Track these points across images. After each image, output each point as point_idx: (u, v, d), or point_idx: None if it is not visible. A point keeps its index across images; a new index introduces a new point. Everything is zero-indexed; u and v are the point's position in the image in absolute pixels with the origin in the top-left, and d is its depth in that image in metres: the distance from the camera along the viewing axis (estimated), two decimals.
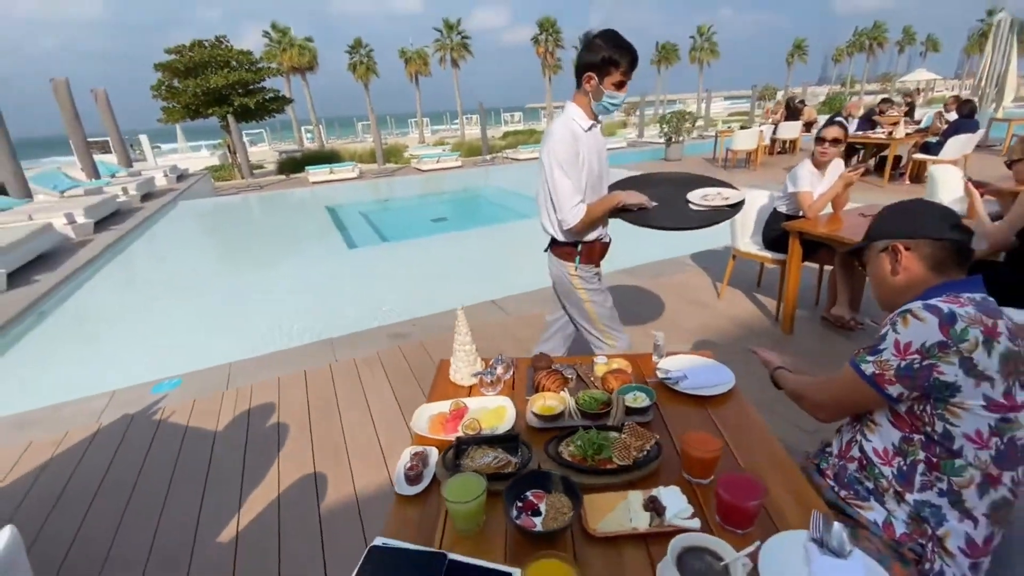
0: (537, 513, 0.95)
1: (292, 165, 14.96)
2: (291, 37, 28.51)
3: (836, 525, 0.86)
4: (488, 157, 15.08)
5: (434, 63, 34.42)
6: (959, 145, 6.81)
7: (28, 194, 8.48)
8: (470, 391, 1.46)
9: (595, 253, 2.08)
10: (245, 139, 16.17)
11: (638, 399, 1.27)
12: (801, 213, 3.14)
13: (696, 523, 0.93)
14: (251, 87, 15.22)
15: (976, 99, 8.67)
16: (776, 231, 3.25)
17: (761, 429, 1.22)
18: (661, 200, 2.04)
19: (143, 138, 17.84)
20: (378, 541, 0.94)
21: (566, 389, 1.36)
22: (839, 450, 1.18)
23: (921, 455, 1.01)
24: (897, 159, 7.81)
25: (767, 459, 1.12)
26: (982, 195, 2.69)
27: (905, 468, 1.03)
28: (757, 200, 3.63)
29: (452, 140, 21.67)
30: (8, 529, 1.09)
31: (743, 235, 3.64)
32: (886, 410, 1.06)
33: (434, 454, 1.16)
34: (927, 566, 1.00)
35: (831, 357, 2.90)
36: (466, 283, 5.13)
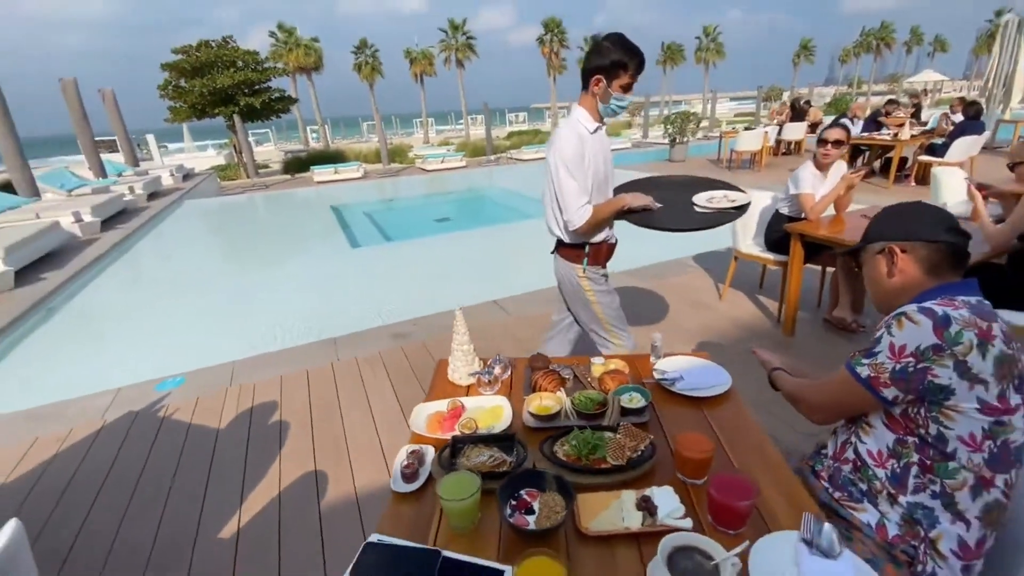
0: (531, 512, 0.96)
1: (297, 165, 15.04)
2: (297, 37, 28.65)
3: (826, 526, 0.87)
4: (492, 157, 15.10)
5: (439, 63, 34.52)
6: (965, 147, 6.77)
7: (36, 193, 8.57)
8: (468, 391, 1.47)
9: (602, 254, 2.09)
10: (251, 139, 16.24)
11: (634, 400, 1.28)
12: (803, 215, 3.13)
13: (688, 523, 0.93)
14: (257, 87, 15.29)
15: (983, 100, 8.61)
16: (778, 233, 3.25)
17: (755, 431, 1.23)
18: (666, 202, 2.05)
19: (150, 137, 17.98)
20: (373, 537, 0.96)
21: (563, 389, 1.37)
22: (834, 452, 1.18)
23: (915, 457, 1.01)
24: (903, 161, 7.76)
25: (761, 460, 1.13)
26: (985, 197, 2.68)
27: (899, 470, 1.03)
28: (759, 201, 3.63)
29: (457, 140, 21.71)
30: (13, 522, 1.11)
31: (745, 237, 3.63)
32: (881, 412, 1.06)
33: (431, 452, 1.17)
34: (919, 568, 1.01)
35: (832, 359, 2.88)
36: (468, 283, 5.15)
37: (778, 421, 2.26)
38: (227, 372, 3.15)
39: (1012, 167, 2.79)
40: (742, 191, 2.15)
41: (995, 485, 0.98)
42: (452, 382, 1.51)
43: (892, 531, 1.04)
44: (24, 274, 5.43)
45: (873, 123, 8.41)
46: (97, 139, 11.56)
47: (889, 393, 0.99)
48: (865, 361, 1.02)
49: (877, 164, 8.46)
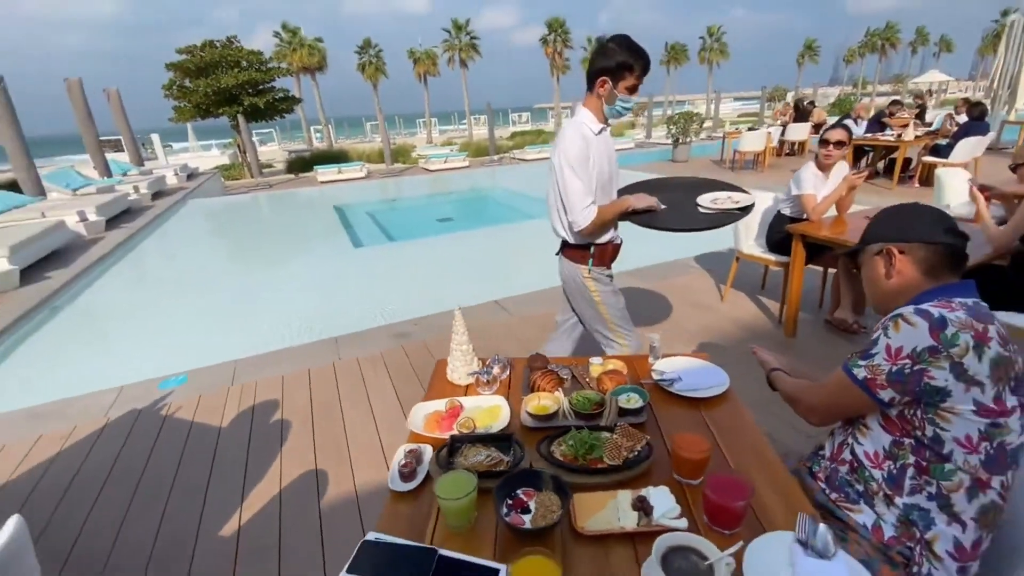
0: (527, 511, 0.96)
1: (301, 164, 15.10)
2: (301, 37, 28.73)
3: (821, 527, 0.87)
4: (495, 157, 15.12)
5: (443, 63, 34.55)
6: (969, 148, 6.74)
7: (42, 192, 8.63)
8: (466, 390, 1.48)
9: (607, 255, 2.10)
10: (255, 138, 16.33)
11: (631, 400, 1.28)
12: (805, 216, 3.13)
13: (683, 523, 0.94)
14: (261, 87, 15.37)
15: (988, 101, 8.56)
16: (780, 234, 3.24)
17: (753, 431, 1.23)
18: (671, 204, 2.05)
19: (155, 137, 18.08)
20: (370, 536, 0.96)
21: (561, 389, 1.38)
22: (831, 453, 1.18)
23: (911, 459, 1.01)
24: (907, 161, 7.73)
25: (757, 461, 1.13)
26: (987, 199, 2.66)
27: (895, 472, 1.03)
28: (761, 202, 3.62)
29: (460, 140, 21.74)
30: (15, 519, 1.12)
31: (747, 237, 3.63)
32: (877, 414, 1.06)
33: (428, 452, 1.18)
34: (915, 569, 1.01)
35: (834, 360, 2.86)
36: (470, 283, 5.16)
37: (779, 421, 2.26)
38: (229, 371, 3.17)
39: (1014, 168, 2.77)
40: (746, 192, 2.15)
41: (991, 487, 0.97)
42: (451, 382, 1.52)
43: (888, 532, 1.04)
44: (29, 273, 5.47)
45: (877, 124, 8.38)
46: (102, 139, 11.63)
47: (885, 395, 0.99)
48: (862, 363, 1.02)
49: (881, 165, 8.43)
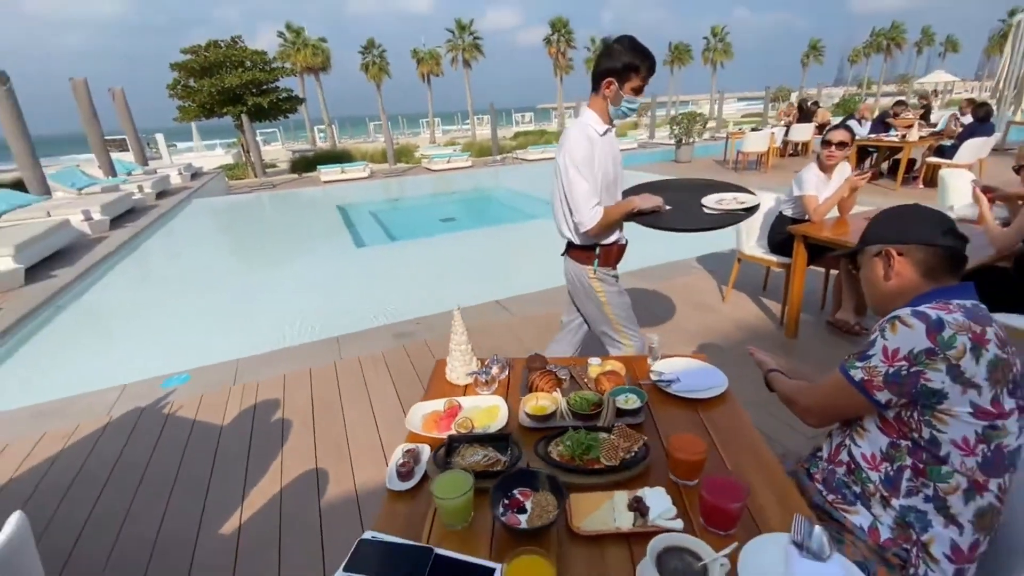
0: (523, 511, 0.97)
1: (305, 164, 15.14)
2: (305, 37, 28.81)
3: (816, 528, 0.87)
4: (498, 157, 15.13)
5: (446, 63, 34.57)
6: (974, 149, 6.70)
7: (47, 191, 8.69)
8: (465, 390, 1.48)
9: (612, 256, 2.10)
10: (259, 138, 16.38)
11: (629, 401, 1.28)
12: (807, 217, 3.12)
13: (679, 524, 0.94)
14: (265, 87, 15.42)
15: (994, 102, 8.51)
16: (781, 235, 3.24)
17: (750, 432, 1.23)
18: (676, 205, 2.05)
19: (159, 137, 18.15)
20: (368, 534, 0.97)
21: (559, 390, 1.38)
22: (828, 454, 1.18)
23: (908, 461, 1.01)
24: (911, 162, 7.70)
25: (754, 462, 1.13)
26: (991, 200, 2.65)
27: (892, 473, 1.03)
28: (763, 203, 3.61)
29: (463, 140, 21.75)
30: (17, 515, 1.13)
31: (748, 239, 3.62)
32: (874, 416, 1.06)
33: (426, 451, 1.19)
34: (912, 571, 1.01)
35: (835, 362, 2.82)
36: (472, 283, 5.17)
37: (779, 423, 2.25)
38: (231, 370, 3.18)
39: (1018, 169, 2.76)
40: (752, 193, 2.15)
41: (988, 489, 0.97)
42: (450, 382, 1.52)
43: (884, 534, 1.04)
44: (34, 271, 5.51)
45: (881, 124, 8.35)
46: (107, 138, 11.69)
47: (882, 396, 0.99)
48: (859, 364, 1.02)
49: (885, 166, 8.40)
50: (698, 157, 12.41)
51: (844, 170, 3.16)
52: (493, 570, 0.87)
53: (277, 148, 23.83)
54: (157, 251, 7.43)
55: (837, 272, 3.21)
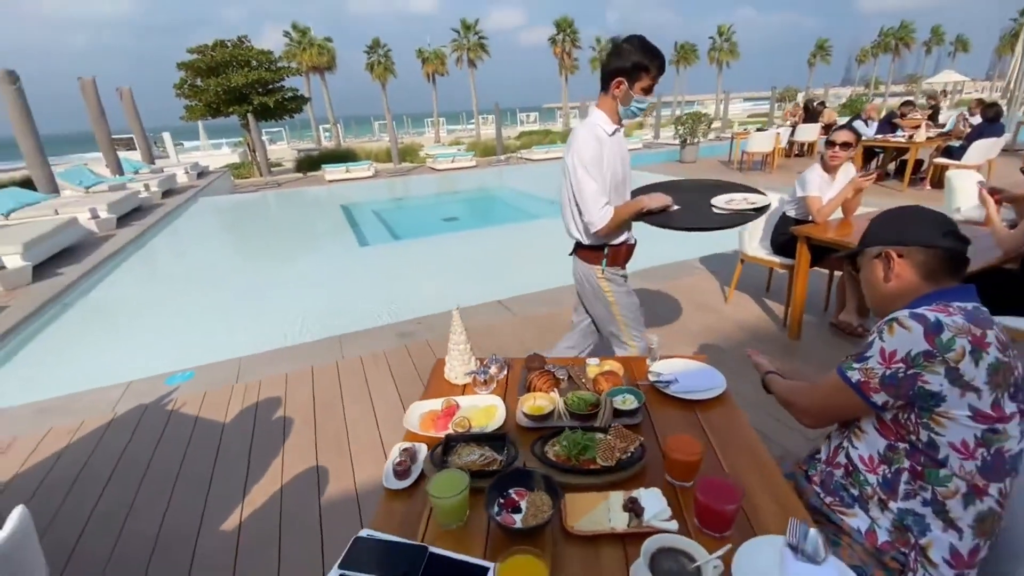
0: (518, 510, 0.97)
1: (309, 163, 15.19)
2: (311, 37, 28.93)
3: (812, 531, 0.86)
4: (503, 157, 15.13)
5: (451, 63, 34.61)
6: (983, 150, 6.63)
7: (55, 189, 8.78)
8: (464, 390, 1.49)
9: (621, 255, 2.10)
10: (264, 137, 16.45)
11: (627, 401, 1.28)
12: (810, 218, 3.10)
13: (674, 525, 0.94)
14: (271, 86, 15.48)
15: (1004, 102, 8.42)
16: (784, 236, 3.22)
17: (748, 434, 1.23)
18: (686, 205, 2.05)
19: (166, 136, 18.28)
20: (363, 532, 0.98)
21: (557, 390, 1.38)
22: (827, 457, 1.18)
23: (906, 463, 1.01)
24: (918, 163, 7.63)
25: (752, 464, 1.13)
26: (998, 202, 2.62)
27: (889, 476, 1.03)
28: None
29: (467, 140, 21.77)
30: (19, 509, 1.15)
31: (751, 239, 3.61)
32: (872, 418, 1.06)
33: (423, 450, 1.19)
34: (910, 575, 1.00)
35: (838, 364, 2.87)
36: (474, 283, 5.18)
37: (779, 424, 2.24)
38: (234, 368, 3.21)
39: None
40: (762, 193, 2.13)
41: (988, 494, 0.96)
42: (449, 381, 1.53)
43: (882, 537, 1.03)
44: (42, 269, 5.57)
45: (888, 125, 8.29)
46: (115, 137, 11.80)
47: (879, 398, 0.99)
48: (856, 365, 1.02)
49: (892, 167, 8.33)
50: (703, 157, 12.36)
51: (848, 171, 3.14)
52: (487, 569, 0.87)
53: (282, 147, 23.96)
54: (163, 249, 7.49)
55: (840, 274, 3.19)
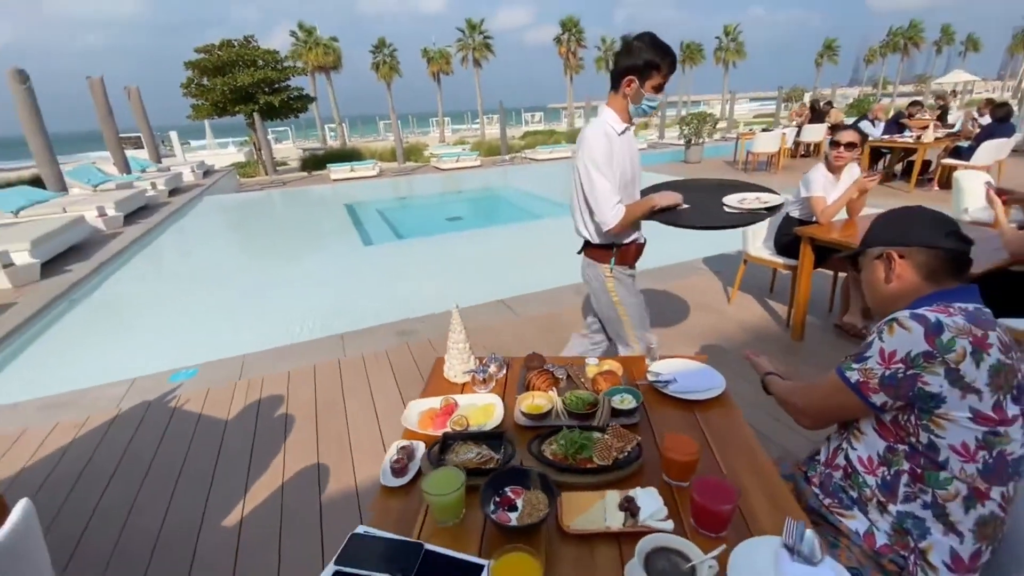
0: (513, 508, 0.97)
1: (315, 162, 15.26)
2: (316, 37, 29.02)
3: (808, 532, 0.86)
4: (507, 157, 15.13)
5: (456, 62, 34.63)
6: (992, 150, 6.56)
7: (64, 187, 8.87)
8: (463, 388, 1.49)
9: (630, 254, 2.09)
10: (270, 136, 16.55)
11: (625, 401, 1.28)
12: (814, 218, 3.08)
13: (669, 525, 0.94)
14: (277, 86, 15.56)
15: (1015, 101, 8.32)
16: (788, 236, 3.20)
17: (746, 434, 1.22)
18: (696, 204, 2.04)
19: (173, 134, 18.41)
20: (360, 529, 0.98)
21: (555, 389, 1.38)
22: (826, 458, 1.17)
23: (905, 465, 1.00)
24: (926, 164, 7.57)
25: (750, 464, 1.12)
26: (1005, 203, 2.60)
27: (889, 478, 1.02)
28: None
29: (472, 139, 21.80)
30: (23, 502, 1.16)
31: (755, 240, 3.59)
32: (872, 419, 1.05)
33: (421, 448, 1.19)
34: None
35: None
36: (477, 282, 5.18)
37: (780, 425, 2.23)
38: (237, 365, 3.23)
39: None
40: (775, 193, 2.12)
41: (990, 497, 0.95)
42: (448, 379, 1.53)
43: (881, 540, 1.02)
44: (50, 266, 5.63)
45: (895, 125, 8.22)
46: (122, 136, 11.90)
47: (878, 399, 0.98)
48: (855, 366, 1.01)
49: (899, 167, 8.26)
50: (708, 158, 12.31)
51: (853, 171, 3.11)
52: (482, 567, 0.88)
53: (288, 146, 24.08)
54: (169, 247, 7.54)
55: (845, 275, 3.17)
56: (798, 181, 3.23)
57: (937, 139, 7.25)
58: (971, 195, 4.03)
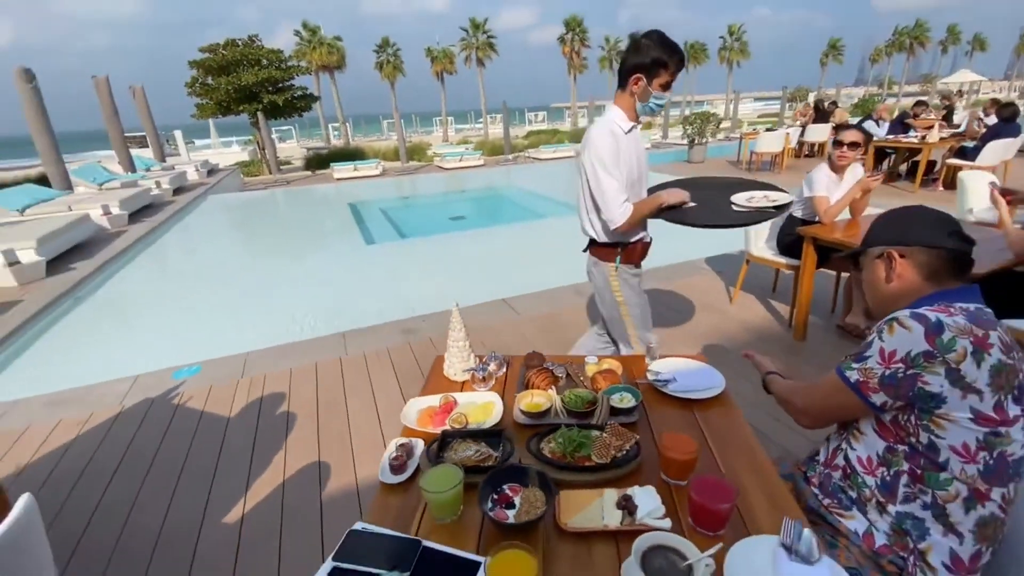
0: (511, 506, 0.97)
1: (318, 161, 15.31)
2: (321, 36, 29.08)
3: (806, 531, 0.86)
4: (510, 156, 15.13)
5: (460, 62, 34.64)
6: (998, 150, 6.52)
7: (69, 186, 8.92)
8: (462, 387, 1.49)
9: (636, 253, 2.09)
10: (274, 136, 16.61)
11: (624, 400, 1.28)
12: (817, 218, 3.07)
13: (667, 523, 0.93)
14: (280, 85, 15.62)
15: (1022, 102, 8.26)
16: (791, 236, 3.19)
17: (745, 434, 1.22)
18: (704, 202, 2.03)
19: (177, 133, 18.50)
20: (358, 525, 0.99)
21: (554, 387, 1.38)
22: (825, 458, 1.16)
23: (905, 466, 0.99)
24: (931, 164, 7.52)
25: (749, 464, 1.12)
26: (1009, 203, 2.58)
27: (888, 479, 1.02)
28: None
29: (476, 139, 21.80)
30: (25, 497, 1.17)
31: (757, 240, 3.58)
32: (871, 419, 1.04)
33: (420, 446, 1.19)
34: None
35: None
36: (479, 281, 5.18)
37: (780, 425, 2.22)
38: (240, 363, 3.24)
39: None
40: (783, 191, 2.11)
41: (991, 499, 0.95)
42: (448, 377, 1.53)
43: (880, 540, 1.02)
44: (55, 264, 5.66)
45: (900, 125, 8.18)
46: (127, 135, 11.97)
47: (878, 399, 0.98)
48: (855, 365, 1.01)
49: (904, 168, 8.22)
50: (711, 157, 12.28)
51: (856, 171, 3.10)
52: (479, 563, 0.88)
53: (292, 145, 24.14)
54: (173, 246, 7.58)
55: (848, 275, 3.16)
56: (801, 181, 3.22)
57: (942, 139, 7.21)
58: (976, 196, 4.01)
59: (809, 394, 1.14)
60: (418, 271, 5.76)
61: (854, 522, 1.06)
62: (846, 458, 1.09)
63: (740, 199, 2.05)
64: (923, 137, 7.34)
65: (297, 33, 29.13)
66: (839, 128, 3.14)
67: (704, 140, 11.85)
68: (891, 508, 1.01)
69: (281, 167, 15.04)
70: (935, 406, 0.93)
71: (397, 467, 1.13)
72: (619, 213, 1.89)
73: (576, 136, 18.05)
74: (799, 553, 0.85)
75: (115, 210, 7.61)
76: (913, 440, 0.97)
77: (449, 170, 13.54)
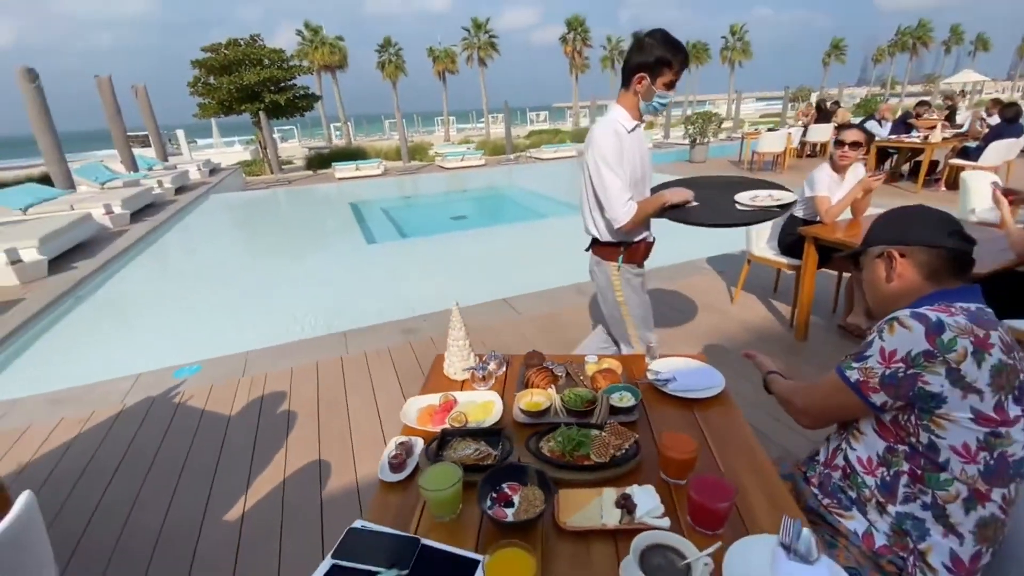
0: (510, 505, 0.97)
1: (320, 161, 15.33)
2: (323, 36, 29.13)
3: (805, 531, 0.86)
4: (512, 156, 15.13)
5: (461, 62, 34.65)
6: (1001, 151, 6.50)
7: (72, 185, 8.94)
8: (462, 386, 1.49)
9: (639, 253, 2.08)
10: (276, 135, 16.62)
11: (624, 399, 1.28)
12: (818, 218, 3.06)
13: (666, 522, 0.93)
14: (282, 84, 15.63)
15: None
16: (792, 236, 3.19)
17: (745, 434, 1.22)
18: (708, 201, 2.02)
19: (180, 133, 18.53)
20: (357, 523, 0.99)
21: (554, 386, 1.38)
22: (825, 458, 1.16)
23: (905, 466, 0.99)
24: (934, 164, 7.50)
25: (748, 463, 1.12)
26: (1011, 203, 2.57)
27: (888, 479, 1.01)
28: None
29: (477, 139, 21.80)
30: (26, 494, 1.17)
31: (758, 240, 3.57)
32: (871, 419, 1.04)
33: (419, 444, 1.20)
34: None
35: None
36: (480, 281, 5.18)
37: (780, 424, 2.22)
38: (241, 362, 3.24)
39: None
40: (788, 190, 2.10)
41: (991, 499, 0.94)
42: (447, 376, 1.53)
43: (880, 541, 1.02)
44: (57, 263, 5.68)
45: (903, 125, 8.16)
46: (130, 134, 11.99)
47: (878, 398, 0.97)
48: (855, 365, 1.01)
49: (906, 168, 8.20)
50: (713, 157, 12.26)
51: (858, 171, 3.09)
52: (478, 561, 0.88)
53: (294, 145, 24.18)
54: (174, 245, 7.59)
55: (849, 275, 3.15)
56: (803, 181, 3.21)
57: (945, 139, 7.19)
58: (978, 196, 3.99)
59: (809, 394, 1.14)
60: (419, 271, 5.77)
61: (854, 522, 1.06)
62: (846, 458, 1.09)
63: (744, 198, 2.04)
64: (926, 137, 7.33)
65: (299, 33, 29.18)
66: (841, 128, 3.13)
67: (706, 140, 11.84)
68: (891, 508, 1.01)
69: (283, 166, 15.07)
70: (935, 406, 0.93)
71: (396, 465, 1.13)
72: (623, 212, 1.88)
73: (578, 136, 18.03)
74: (798, 552, 0.85)
75: (117, 209, 7.63)
76: (913, 440, 0.97)
77: (450, 170, 13.54)
